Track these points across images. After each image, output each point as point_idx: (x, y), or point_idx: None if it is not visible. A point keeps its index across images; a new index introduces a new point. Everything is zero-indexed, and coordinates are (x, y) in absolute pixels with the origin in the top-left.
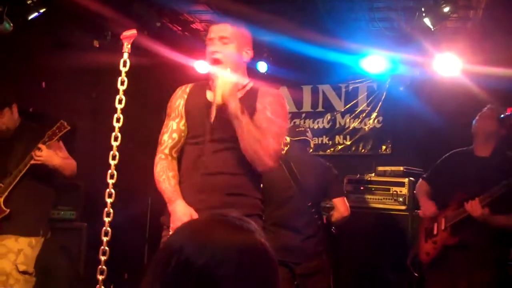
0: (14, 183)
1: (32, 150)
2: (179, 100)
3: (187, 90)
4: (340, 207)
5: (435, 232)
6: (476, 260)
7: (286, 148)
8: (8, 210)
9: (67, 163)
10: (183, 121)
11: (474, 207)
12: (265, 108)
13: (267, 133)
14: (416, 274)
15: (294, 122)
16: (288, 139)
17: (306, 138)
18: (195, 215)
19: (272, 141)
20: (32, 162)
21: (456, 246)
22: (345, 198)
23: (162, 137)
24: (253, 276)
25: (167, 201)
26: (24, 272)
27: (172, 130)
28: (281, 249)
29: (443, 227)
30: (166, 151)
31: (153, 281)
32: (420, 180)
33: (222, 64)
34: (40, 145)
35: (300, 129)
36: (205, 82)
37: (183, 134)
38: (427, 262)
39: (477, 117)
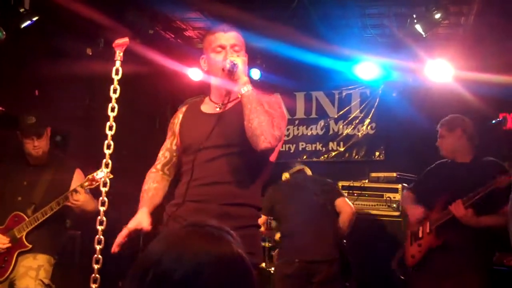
0: (42, 220)
1: (57, 182)
2: (176, 120)
3: (183, 109)
4: (343, 206)
5: (420, 235)
6: (461, 264)
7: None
8: (30, 246)
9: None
10: (175, 140)
11: (457, 208)
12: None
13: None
14: (402, 277)
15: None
16: (288, 175)
17: (300, 168)
18: (145, 225)
19: (276, 124)
20: (67, 203)
21: (441, 249)
22: (345, 197)
23: (158, 154)
24: (230, 286)
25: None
26: (49, 286)
27: (166, 148)
28: (301, 250)
29: (428, 230)
30: (159, 166)
31: (134, 286)
32: (405, 191)
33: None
34: (78, 188)
35: (295, 165)
36: (200, 99)
37: (174, 154)
38: (412, 265)
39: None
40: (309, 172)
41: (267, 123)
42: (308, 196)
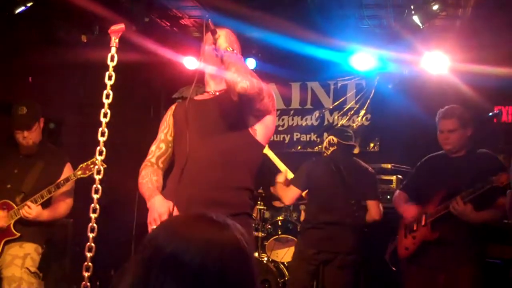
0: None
1: (48, 172)
2: (168, 113)
3: (176, 104)
4: (372, 210)
5: (414, 227)
6: (455, 256)
7: (332, 149)
8: (18, 234)
9: (57, 214)
10: (170, 131)
11: (457, 204)
12: None
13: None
14: (394, 268)
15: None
16: (336, 139)
17: (353, 143)
18: (174, 209)
19: (255, 77)
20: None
21: (435, 242)
22: (379, 203)
23: (150, 148)
24: (221, 268)
25: (147, 199)
26: (36, 274)
27: (160, 140)
28: (324, 239)
29: (423, 223)
30: (153, 160)
31: (136, 260)
32: (397, 191)
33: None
34: (71, 176)
35: (348, 134)
36: (195, 89)
37: (170, 145)
38: (406, 257)
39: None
40: (357, 150)
41: (246, 71)
42: (343, 185)
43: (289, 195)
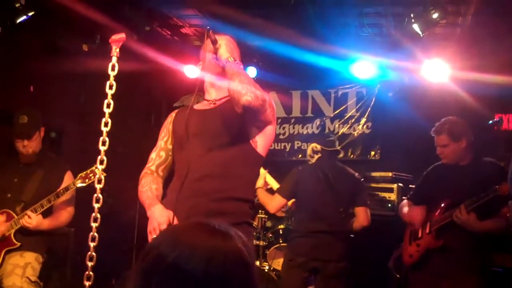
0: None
1: (48, 181)
2: (168, 119)
3: (177, 110)
4: (361, 216)
5: (419, 235)
6: (458, 264)
7: (316, 156)
8: (18, 244)
9: (58, 222)
10: (170, 139)
11: (459, 213)
12: None
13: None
14: (397, 276)
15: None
16: (319, 147)
17: (336, 149)
18: (174, 219)
19: (258, 88)
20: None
21: (439, 250)
22: (367, 209)
23: (150, 155)
24: (224, 275)
25: (147, 208)
26: (36, 283)
27: (160, 148)
28: (315, 248)
29: (427, 231)
30: (153, 168)
31: (136, 270)
32: (404, 200)
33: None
34: (70, 185)
35: (331, 139)
36: (195, 98)
37: (170, 153)
38: (410, 264)
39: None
40: (341, 154)
41: (249, 82)
42: (331, 192)
43: (273, 204)
